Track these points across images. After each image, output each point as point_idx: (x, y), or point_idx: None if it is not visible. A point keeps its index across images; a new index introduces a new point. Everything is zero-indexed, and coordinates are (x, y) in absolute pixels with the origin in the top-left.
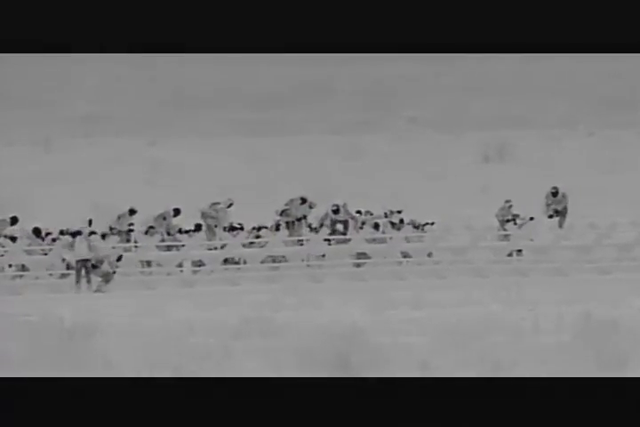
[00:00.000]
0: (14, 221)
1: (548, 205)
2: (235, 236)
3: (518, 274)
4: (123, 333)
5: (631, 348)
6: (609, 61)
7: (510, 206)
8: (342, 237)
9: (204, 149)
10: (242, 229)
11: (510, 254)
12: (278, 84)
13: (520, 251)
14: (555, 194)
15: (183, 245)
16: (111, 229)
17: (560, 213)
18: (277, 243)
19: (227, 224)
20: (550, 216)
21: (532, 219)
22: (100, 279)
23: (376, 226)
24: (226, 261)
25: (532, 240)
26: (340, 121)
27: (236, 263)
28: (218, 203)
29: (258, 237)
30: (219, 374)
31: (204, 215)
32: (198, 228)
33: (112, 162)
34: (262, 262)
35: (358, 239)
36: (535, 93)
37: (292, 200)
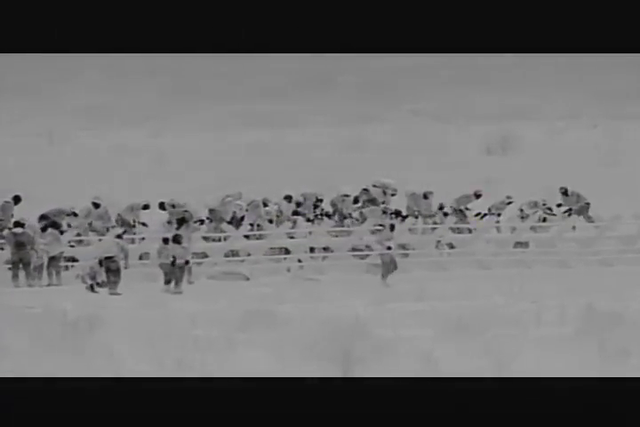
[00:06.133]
0: (17, 200)
1: (559, 206)
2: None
3: (521, 266)
4: (125, 325)
5: (634, 340)
6: (612, 53)
7: (509, 203)
8: (346, 229)
9: (206, 141)
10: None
11: (519, 245)
12: (280, 77)
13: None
14: (565, 194)
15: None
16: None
17: (578, 212)
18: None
19: (229, 217)
20: (565, 211)
21: (535, 212)
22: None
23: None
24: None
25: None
26: (342, 113)
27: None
28: (229, 196)
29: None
30: (221, 366)
31: (211, 212)
32: (201, 222)
33: (115, 154)
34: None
35: (361, 231)
36: (538, 85)
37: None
